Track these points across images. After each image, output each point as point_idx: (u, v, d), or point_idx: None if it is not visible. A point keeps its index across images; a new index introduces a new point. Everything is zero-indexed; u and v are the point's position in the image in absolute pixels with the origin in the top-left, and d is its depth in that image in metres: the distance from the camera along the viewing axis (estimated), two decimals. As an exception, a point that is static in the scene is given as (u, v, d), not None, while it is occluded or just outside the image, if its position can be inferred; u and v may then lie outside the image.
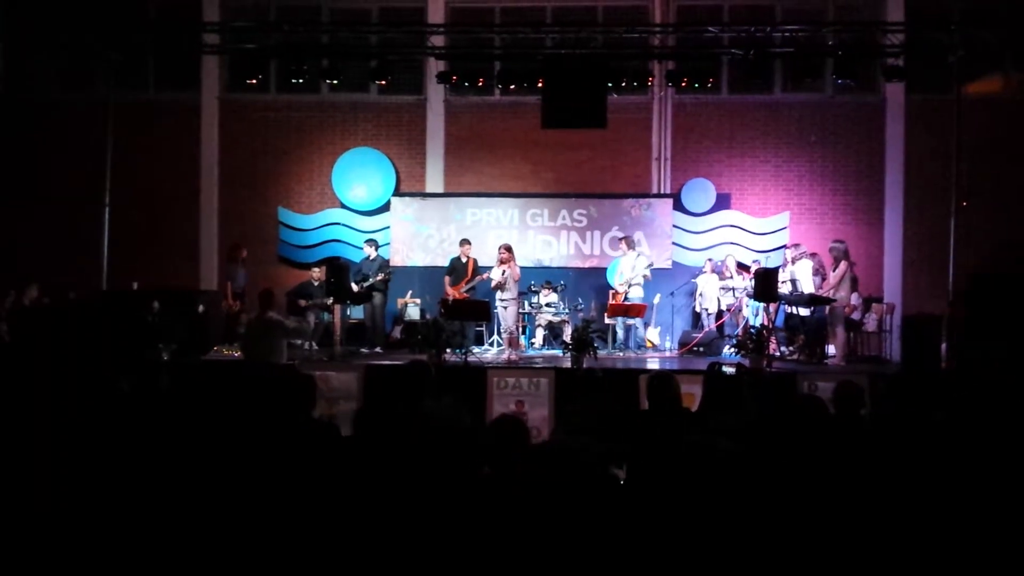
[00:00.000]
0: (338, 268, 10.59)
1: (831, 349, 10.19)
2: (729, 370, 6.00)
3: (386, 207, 13.06)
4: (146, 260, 12.48)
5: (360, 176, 13.12)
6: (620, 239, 11.97)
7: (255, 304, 9.52)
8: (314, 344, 11.17)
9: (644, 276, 11.37)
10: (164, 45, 12.56)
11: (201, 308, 10.18)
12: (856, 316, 10.91)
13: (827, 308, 10.01)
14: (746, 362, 8.97)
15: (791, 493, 3.57)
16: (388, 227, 12.92)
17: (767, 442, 4.17)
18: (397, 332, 11.75)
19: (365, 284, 11.13)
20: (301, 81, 11.61)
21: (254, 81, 11.68)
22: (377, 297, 11.33)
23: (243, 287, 11.85)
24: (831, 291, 9.97)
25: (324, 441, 4.42)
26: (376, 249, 11.59)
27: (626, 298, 11.35)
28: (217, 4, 13.10)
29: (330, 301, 10.83)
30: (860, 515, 3.54)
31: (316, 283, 11.51)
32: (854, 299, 10.43)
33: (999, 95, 12.58)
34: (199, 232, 13.28)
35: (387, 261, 11.95)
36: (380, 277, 11.22)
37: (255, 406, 5.54)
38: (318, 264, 12.13)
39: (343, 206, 13.19)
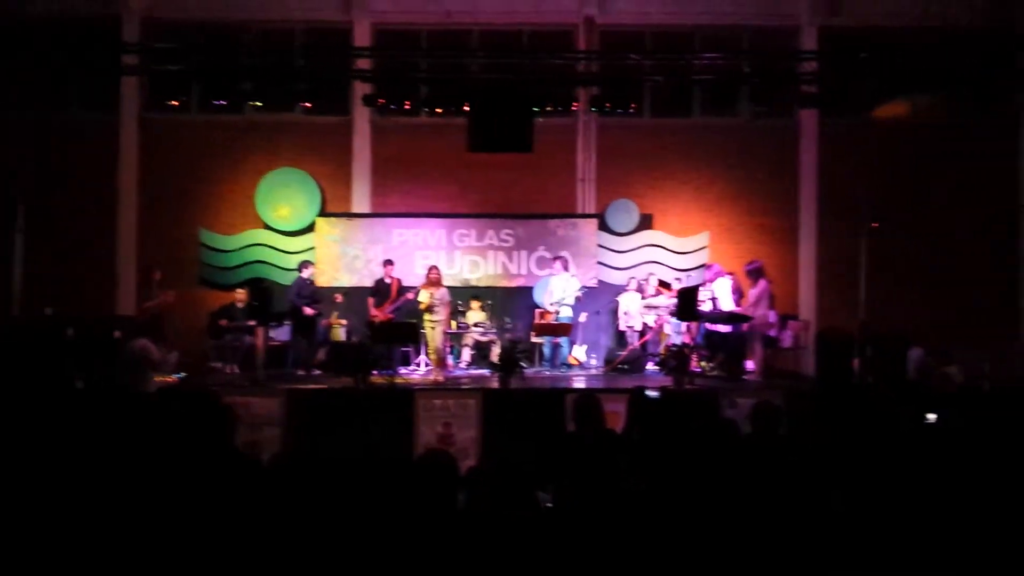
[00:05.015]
0: (261, 290, 10.46)
1: (750, 365, 10.49)
2: (653, 394, 6.15)
3: (311, 228, 12.95)
4: (61, 285, 12.06)
5: (285, 197, 12.99)
6: (554, 259, 12.13)
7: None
8: (235, 368, 11.01)
9: (576, 297, 11.56)
10: (83, 65, 12.19)
11: (117, 334, 9.89)
12: (773, 333, 11.25)
13: (745, 325, 10.31)
14: (668, 380, 9.18)
15: (708, 521, 3.68)
16: (313, 248, 12.80)
17: (686, 470, 4.29)
18: (322, 354, 11.62)
19: (318, 305, 11.14)
20: (225, 102, 11.45)
21: (176, 103, 11.44)
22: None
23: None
24: (749, 309, 10.28)
25: (244, 474, 4.36)
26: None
27: (556, 317, 11.50)
28: (137, 24, 12.82)
29: (252, 323, 10.68)
30: (774, 535, 3.68)
31: (240, 305, 11.34)
32: (771, 316, 10.77)
33: (908, 119, 13.15)
34: (116, 255, 12.93)
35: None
36: (337, 299, 11.21)
37: (174, 437, 5.43)
38: (241, 285, 11.93)
39: (267, 227, 13.02)
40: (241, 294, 11.44)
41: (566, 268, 11.92)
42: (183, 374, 10.42)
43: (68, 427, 5.95)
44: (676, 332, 11.14)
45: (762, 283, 10.35)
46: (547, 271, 12.36)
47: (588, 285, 12.38)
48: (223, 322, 11.22)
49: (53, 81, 12.38)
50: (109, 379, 8.72)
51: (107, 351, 9.27)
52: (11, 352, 9.03)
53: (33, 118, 11.37)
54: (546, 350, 11.60)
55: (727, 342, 10.56)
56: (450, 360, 11.39)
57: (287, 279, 12.42)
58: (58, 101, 12.90)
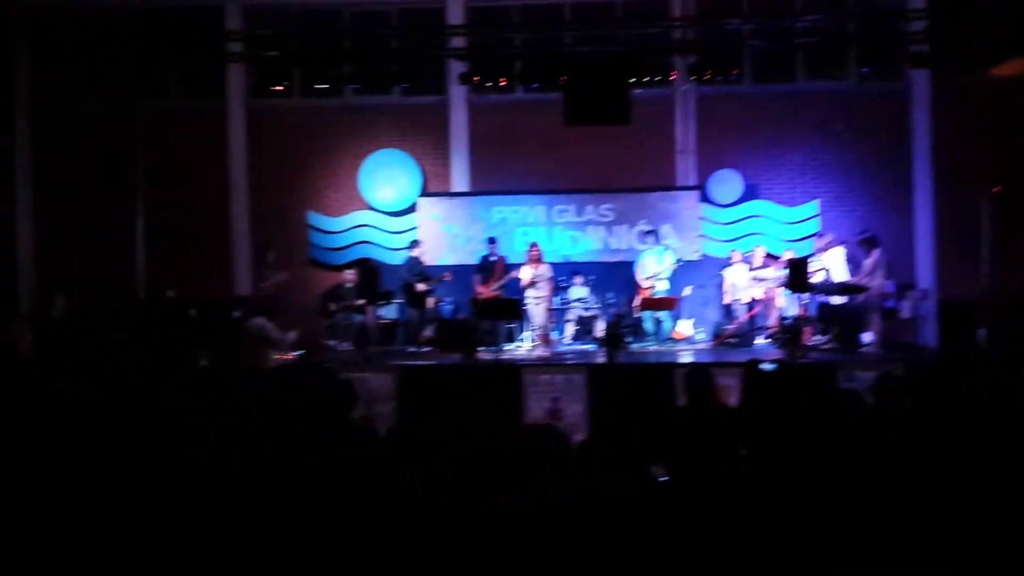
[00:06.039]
0: (369, 270, 10.69)
1: (866, 337, 10.14)
2: (768, 367, 6.00)
3: (413, 208, 13.15)
4: (181, 268, 12.58)
5: (386, 177, 13.18)
6: (646, 233, 12.01)
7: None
8: (349, 345, 11.32)
9: (672, 269, 11.40)
10: (188, 54, 12.65)
11: (236, 314, 10.31)
12: (890, 303, 10.83)
13: (861, 296, 9.96)
14: (781, 353, 8.96)
15: (833, 499, 3.58)
16: (416, 227, 13.01)
17: (808, 443, 4.18)
18: (429, 331, 11.83)
19: (430, 283, 11.35)
20: (326, 86, 11.71)
21: (280, 88, 11.76)
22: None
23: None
24: (864, 279, 9.92)
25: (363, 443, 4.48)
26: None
27: (652, 292, 11.38)
28: (240, 12, 13.21)
29: (362, 302, 10.95)
30: (903, 514, 3.55)
31: (348, 285, 11.63)
32: (888, 286, 10.36)
33: (1025, 78, 12.38)
34: (231, 238, 13.41)
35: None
36: (446, 277, 11.45)
37: (298, 412, 5.63)
38: (348, 266, 12.24)
39: (371, 208, 13.28)
40: (349, 274, 11.73)
41: (658, 242, 11.79)
42: (302, 351, 10.78)
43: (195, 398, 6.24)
44: (790, 304, 10.82)
45: (876, 252, 9.98)
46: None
47: (691, 259, 12.18)
48: (332, 305, 11.52)
49: (162, 71, 12.85)
50: (230, 357, 9.12)
51: (227, 330, 9.68)
52: (139, 332, 9.55)
53: (146, 108, 11.85)
54: (649, 325, 11.48)
55: (842, 314, 10.22)
56: (554, 336, 11.41)
57: (392, 258, 12.70)
58: (168, 89, 13.42)
